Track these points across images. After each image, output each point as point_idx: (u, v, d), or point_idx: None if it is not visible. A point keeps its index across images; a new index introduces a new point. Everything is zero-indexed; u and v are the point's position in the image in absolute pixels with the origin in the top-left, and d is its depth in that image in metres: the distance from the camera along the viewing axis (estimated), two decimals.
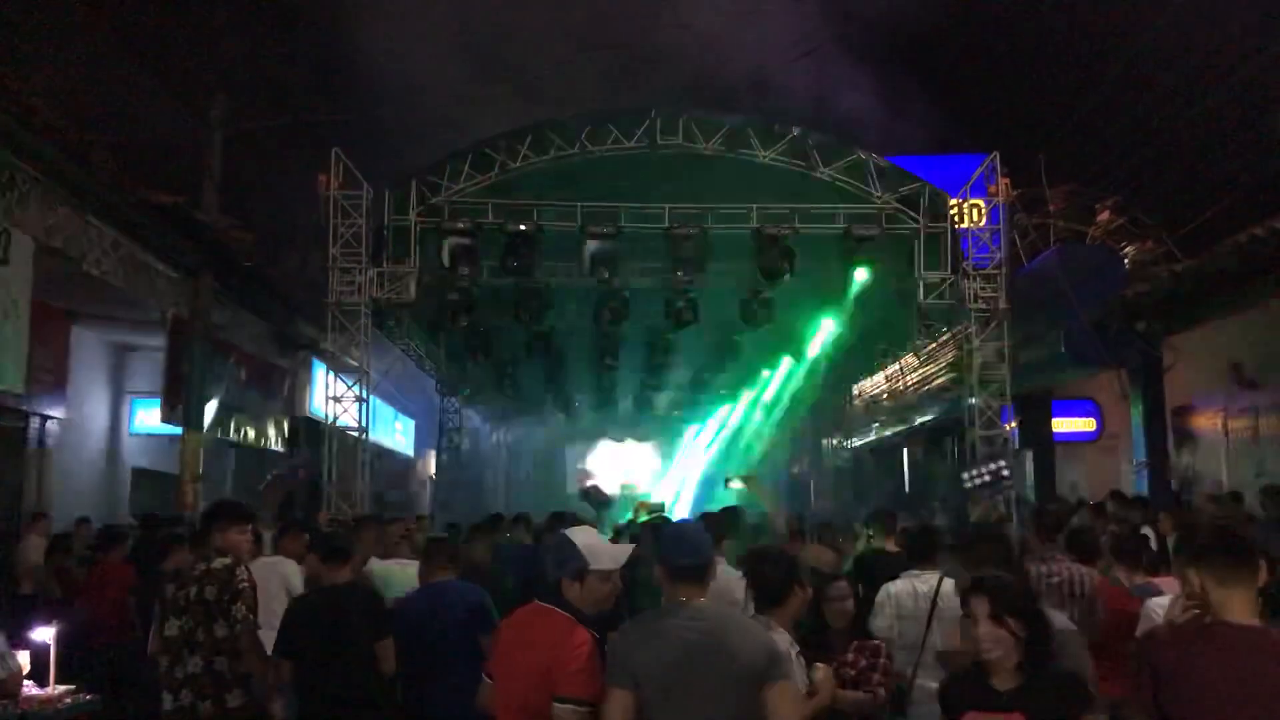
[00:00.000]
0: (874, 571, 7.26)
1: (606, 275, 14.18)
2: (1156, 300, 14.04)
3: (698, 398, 25.64)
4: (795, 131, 14.22)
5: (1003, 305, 14.07)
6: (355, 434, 14.06)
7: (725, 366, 20.77)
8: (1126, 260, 16.04)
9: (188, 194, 12.94)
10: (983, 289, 14.14)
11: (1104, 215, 17.91)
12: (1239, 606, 2.89)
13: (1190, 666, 2.84)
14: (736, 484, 6.94)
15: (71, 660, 6.69)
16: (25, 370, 10.38)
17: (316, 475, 14.26)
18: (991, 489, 10.76)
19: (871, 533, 8.75)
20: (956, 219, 14.46)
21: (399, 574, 6.91)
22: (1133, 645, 4.77)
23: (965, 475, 9.34)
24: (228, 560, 5.35)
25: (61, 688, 6.01)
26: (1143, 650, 3.05)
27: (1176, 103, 14.37)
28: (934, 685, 5.30)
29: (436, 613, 5.46)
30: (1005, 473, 8.76)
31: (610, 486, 32.08)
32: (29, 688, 5.84)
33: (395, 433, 24.15)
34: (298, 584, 6.82)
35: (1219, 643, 2.84)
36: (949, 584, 5.58)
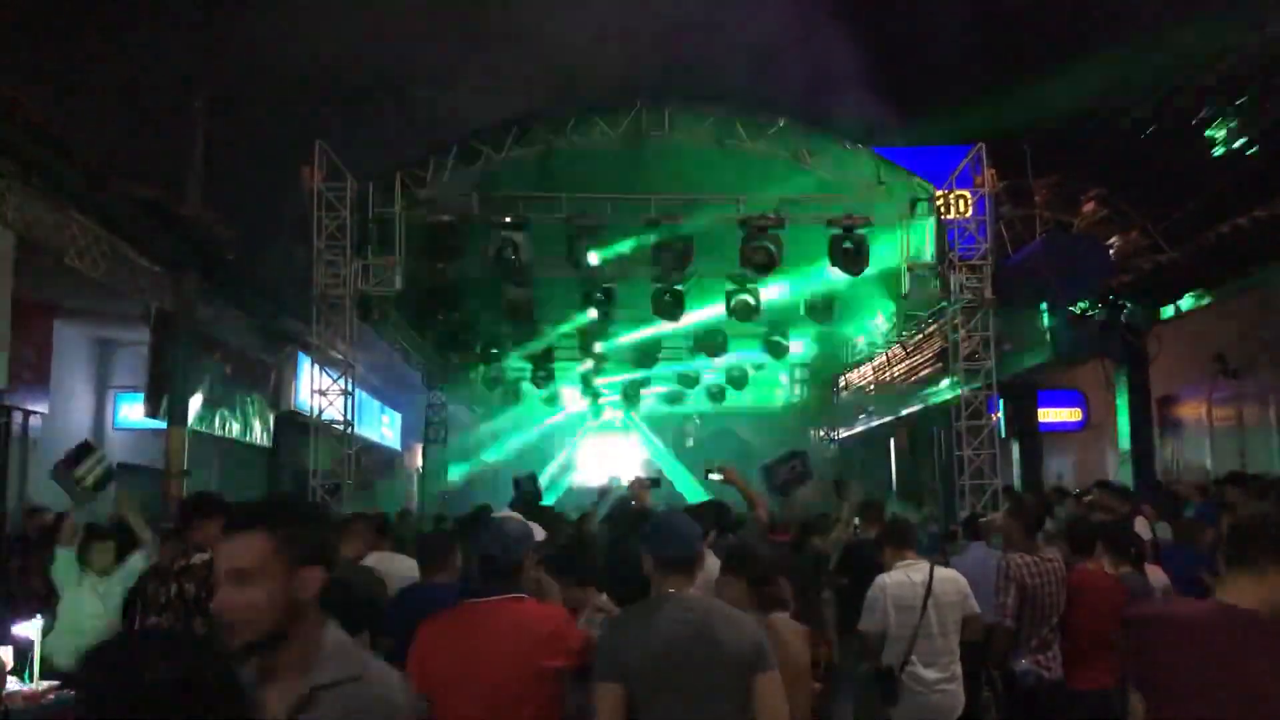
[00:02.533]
0: (861, 561, 7.30)
1: (592, 267, 14.16)
2: (1141, 290, 14.10)
3: (685, 389, 25.62)
4: (781, 122, 14.21)
5: (988, 296, 14.11)
6: (341, 428, 14.01)
7: (710, 357, 20.76)
8: (1111, 251, 16.09)
9: (170, 187, 12.85)
10: (968, 280, 14.18)
11: (1088, 206, 17.95)
12: (1239, 590, 2.84)
13: (1174, 646, 2.81)
14: (715, 475, 6.87)
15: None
16: (6, 366, 10.32)
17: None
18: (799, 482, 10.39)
19: (859, 522, 8.79)
20: (942, 210, 14.48)
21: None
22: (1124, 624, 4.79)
23: (775, 473, 9.02)
24: (206, 556, 5.29)
25: (45, 683, 5.97)
26: (1128, 628, 3.00)
27: (1160, 93, 14.42)
28: (928, 674, 5.34)
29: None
30: (799, 467, 8.52)
31: (598, 478, 32.11)
32: (12, 683, 5.80)
33: (381, 426, 24.07)
34: None
35: (1204, 624, 2.81)
36: (941, 572, 5.60)
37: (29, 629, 6.20)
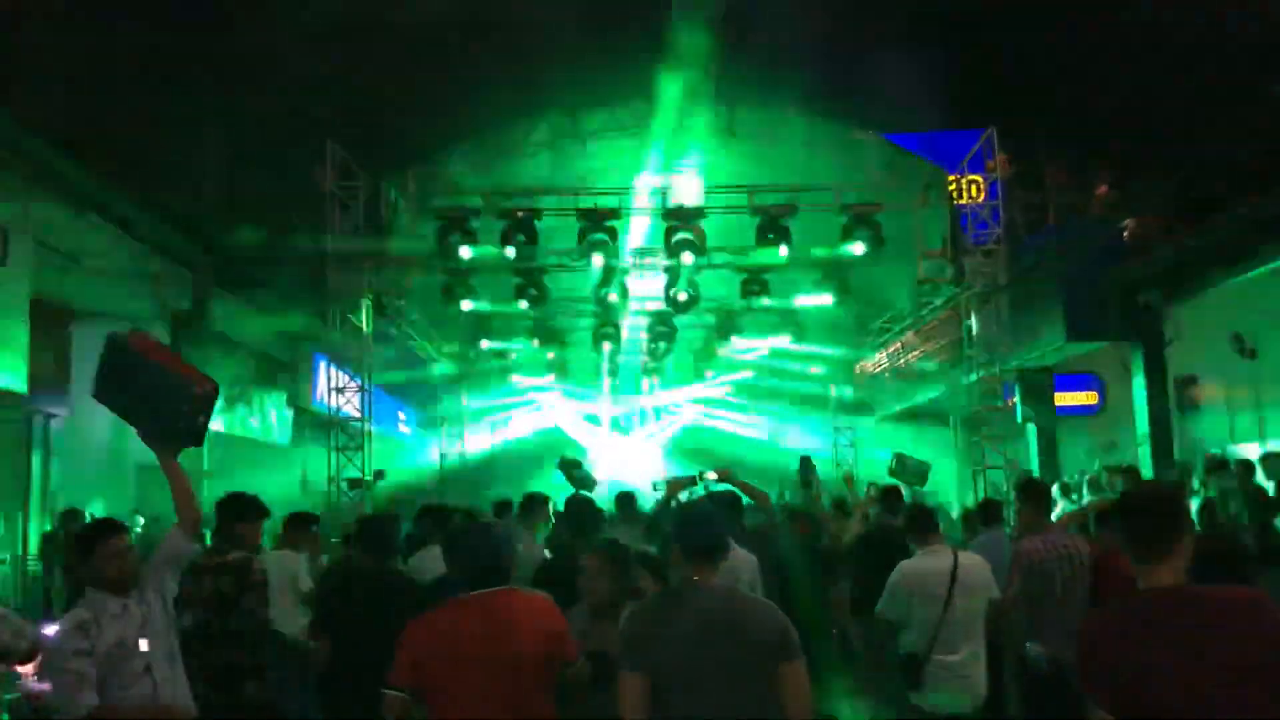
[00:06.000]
0: (880, 547, 7.30)
1: (605, 258, 14.16)
2: (1157, 272, 14.04)
3: (700, 380, 25.63)
4: (794, 109, 14.21)
5: (1002, 281, 14.06)
6: (359, 424, 14.08)
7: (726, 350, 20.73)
8: (1126, 233, 16.03)
9: (186, 188, 12.93)
10: (982, 265, 14.13)
11: (1102, 189, 17.85)
12: (1157, 574, 2.81)
13: (1128, 642, 2.73)
14: (711, 476, 6.88)
15: None
16: (27, 369, 10.42)
17: None
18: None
19: (877, 509, 8.78)
20: (955, 195, 14.44)
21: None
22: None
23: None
24: (242, 554, 5.37)
25: None
26: (1082, 634, 2.88)
27: (1175, 72, 14.32)
28: (952, 659, 5.35)
29: None
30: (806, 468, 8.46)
31: (616, 472, 32.17)
32: (39, 683, 5.86)
33: (398, 422, 24.15)
34: (305, 578, 6.81)
35: (1149, 611, 2.77)
36: (965, 557, 5.60)
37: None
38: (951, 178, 14.46)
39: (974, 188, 14.67)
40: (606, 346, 18.50)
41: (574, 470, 8.05)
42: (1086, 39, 15.60)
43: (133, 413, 4.57)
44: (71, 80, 10.50)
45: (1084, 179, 17.94)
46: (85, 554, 4.31)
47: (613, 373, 23.92)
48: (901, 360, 20.19)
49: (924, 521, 5.88)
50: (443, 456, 23.89)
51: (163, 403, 4.43)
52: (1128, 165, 16.48)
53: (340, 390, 14.10)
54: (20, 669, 5.16)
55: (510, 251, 13.38)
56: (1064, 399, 17.45)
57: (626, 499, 8.52)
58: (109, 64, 10.92)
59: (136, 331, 4.83)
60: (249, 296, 15.40)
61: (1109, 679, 2.73)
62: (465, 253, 13.46)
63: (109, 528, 4.47)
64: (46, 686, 5.84)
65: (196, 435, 4.49)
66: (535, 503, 7.92)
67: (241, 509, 5.62)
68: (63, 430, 13.31)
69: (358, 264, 13.79)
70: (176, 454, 4.53)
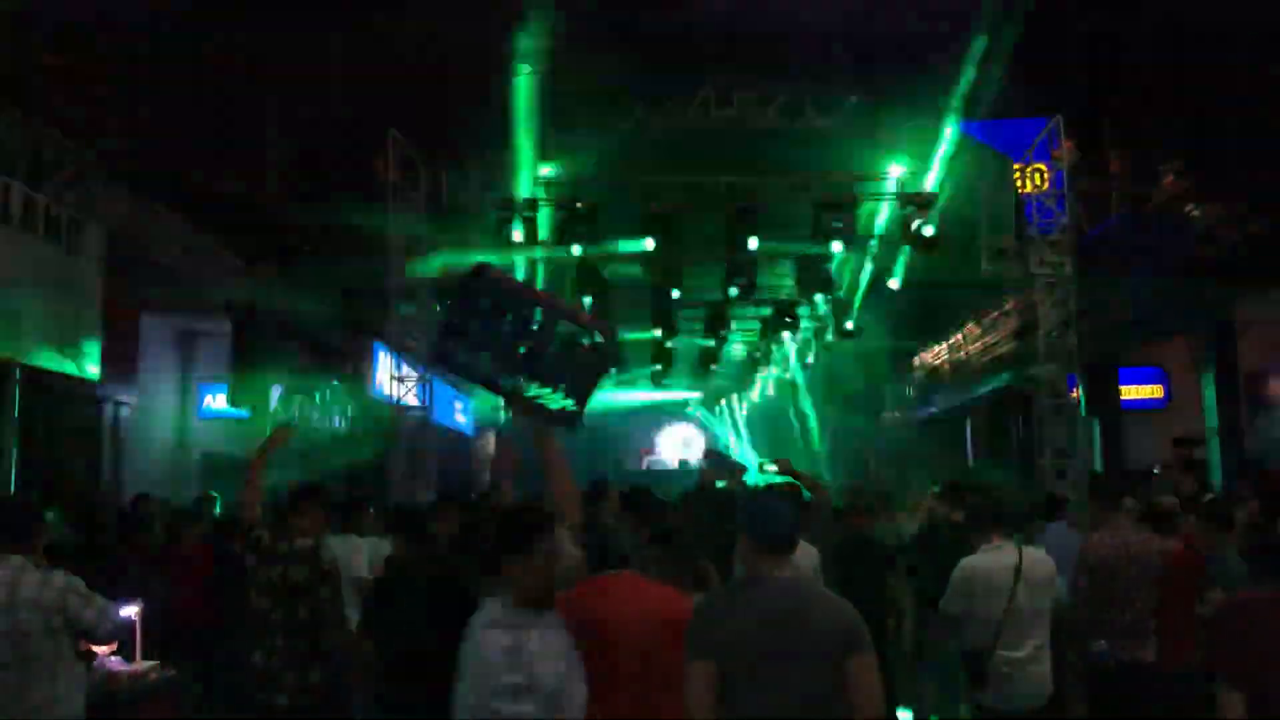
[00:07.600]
0: (941, 542, 7.23)
1: (664, 249, 14.17)
2: (1227, 263, 13.69)
3: (755, 373, 25.61)
4: (853, 99, 14.06)
5: (1068, 271, 13.79)
6: (419, 414, 14.21)
7: (783, 340, 20.66)
8: (1194, 223, 15.65)
9: (250, 179, 13.12)
10: (1047, 255, 13.87)
11: (1170, 179, 17.44)
12: None
13: (1264, 630, 2.80)
14: (771, 468, 6.84)
15: (153, 637, 6.82)
16: (100, 358, 10.66)
17: None
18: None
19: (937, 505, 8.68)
20: (1019, 184, 14.19)
21: None
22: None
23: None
24: (310, 541, 5.42)
25: (147, 663, 6.16)
26: (1218, 619, 3.03)
27: (1245, 58, 13.94)
28: (1016, 655, 5.28)
29: None
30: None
31: (670, 462, 32.27)
32: (116, 663, 5.99)
33: (455, 412, 24.34)
34: (363, 566, 6.90)
35: None
36: (1030, 553, 5.52)
37: (130, 611, 6.39)
38: (1016, 166, 14.20)
39: (1038, 176, 14.39)
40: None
41: (722, 458, 8.02)
42: (1153, 23, 15.26)
43: (504, 376, 3.44)
44: (140, 73, 10.69)
45: (1150, 168, 17.54)
46: (514, 551, 3.33)
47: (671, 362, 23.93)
48: (963, 352, 19.92)
49: (986, 517, 5.80)
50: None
51: (558, 359, 3.40)
52: (1196, 153, 16.07)
53: (400, 379, 14.23)
54: (98, 649, 5.24)
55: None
56: (1129, 393, 17.13)
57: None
58: (176, 58, 11.12)
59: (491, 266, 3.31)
60: (311, 285, 15.58)
61: (1241, 660, 2.86)
62: (516, 236, 13.68)
63: (542, 520, 3.42)
64: (125, 668, 5.99)
65: (583, 404, 3.44)
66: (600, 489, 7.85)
67: (305, 494, 5.68)
68: (131, 418, 13.58)
69: (418, 252, 13.89)
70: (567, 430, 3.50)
